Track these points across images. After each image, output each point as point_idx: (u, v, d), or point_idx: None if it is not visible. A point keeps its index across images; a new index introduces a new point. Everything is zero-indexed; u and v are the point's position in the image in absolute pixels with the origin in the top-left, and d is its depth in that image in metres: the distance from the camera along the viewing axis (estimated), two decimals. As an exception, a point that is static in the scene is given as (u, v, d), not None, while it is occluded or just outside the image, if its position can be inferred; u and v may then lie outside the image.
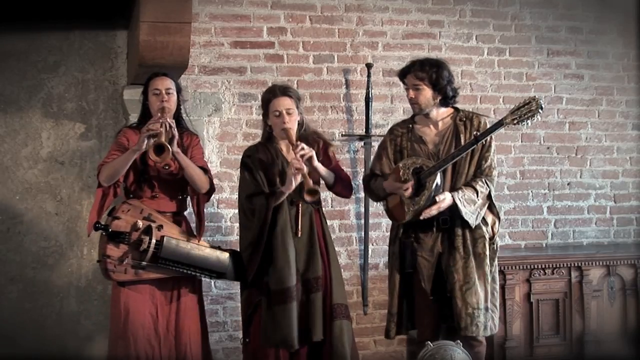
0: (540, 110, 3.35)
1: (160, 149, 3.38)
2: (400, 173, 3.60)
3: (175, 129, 3.48)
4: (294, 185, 3.46)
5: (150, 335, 3.48)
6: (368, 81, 4.75)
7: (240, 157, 3.70)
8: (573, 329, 4.60)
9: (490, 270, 3.62)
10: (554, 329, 4.60)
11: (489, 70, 5.09)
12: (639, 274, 4.72)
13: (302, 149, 3.46)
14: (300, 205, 3.57)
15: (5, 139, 4.49)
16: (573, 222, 5.24)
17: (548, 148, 5.20)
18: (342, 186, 3.71)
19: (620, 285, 4.71)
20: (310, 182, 3.42)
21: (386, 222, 4.89)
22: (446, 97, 3.65)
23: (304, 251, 3.56)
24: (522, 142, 5.15)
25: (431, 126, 3.69)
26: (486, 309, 3.57)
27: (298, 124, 3.61)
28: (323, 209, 3.76)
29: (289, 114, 3.54)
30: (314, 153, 3.51)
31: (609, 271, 4.69)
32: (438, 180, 3.50)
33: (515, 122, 3.40)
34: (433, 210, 3.51)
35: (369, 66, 4.77)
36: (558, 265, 4.60)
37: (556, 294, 4.61)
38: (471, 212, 3.54)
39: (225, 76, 4.66)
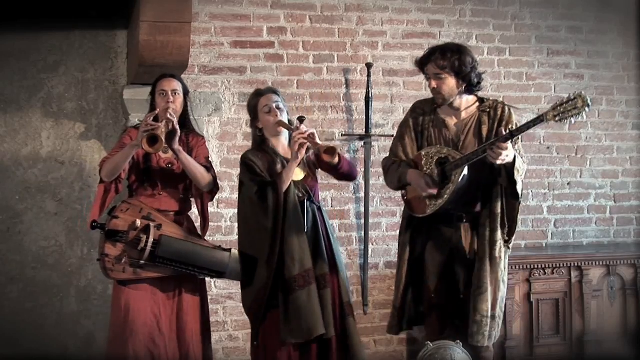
0: (587, 109, 3.01)
1: (154, 140, 3.38)
2: (423, 162, 3.41)
3: (177, 125, 3.47)
4: (299, 158, 3.36)
5: (154, 334, 3.47)
6: (368, 81, 4.75)
7: (241, 156, 3.66)
8: (573, 329, 4.60)
9: (502, 276, 3.43)
10: (554, 329, 4.60)
11: (489, 70, 5.04)
12: (639, 274, 4.72)
13: (302, 129, 3.37)
14: (305, 201, 3.48)
15: (5, 139, 4.49)
16: (573, 221, 5.24)
17: (548, 148, 5.20)
18: (347, 164, 3.49)
19: (620, 285, 4.71)
20: (323, 144, 3.31)
21: (386, 222, 4.90)
22: (471, 84, 3.40)
23: (310, 248, 3.47)
24: (522, 141, 5.04)
25: (454, 114, 3.46)
26: (493, 317, 3.40)
27: (288, 121, 3.55)
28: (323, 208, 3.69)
29: (278, 108, 3.50)
30: (315, 131, 3.39)
31: (609, 271, 4.69)
32: (465, 171, 3.29)
33: (557, 119, 3.07)
34: (499, 160, 3.19)
35: (369, 66, 4.77)
36: (558, 265, 4.60)
37: (556, 293, 4.60)
38: (520, 177, 3.31)
39: (225, 76, 4.66)
